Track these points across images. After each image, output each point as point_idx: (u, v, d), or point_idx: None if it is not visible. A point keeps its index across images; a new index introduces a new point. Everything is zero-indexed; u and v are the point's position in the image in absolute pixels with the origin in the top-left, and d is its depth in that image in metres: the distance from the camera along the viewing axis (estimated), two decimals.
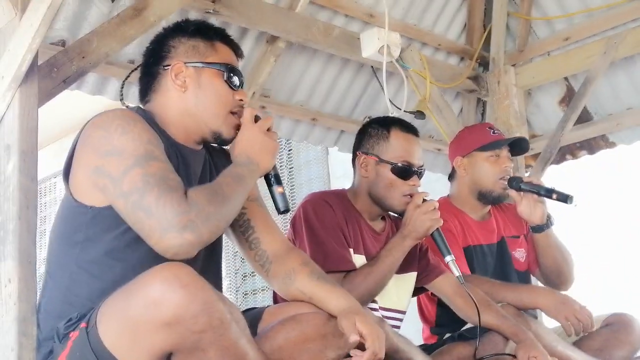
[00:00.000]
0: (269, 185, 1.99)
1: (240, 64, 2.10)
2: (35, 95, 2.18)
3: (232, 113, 2.01)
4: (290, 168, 6.49)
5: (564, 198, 2.98)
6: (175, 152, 1.95)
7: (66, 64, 2.34)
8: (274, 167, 1.99)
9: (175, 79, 1.98)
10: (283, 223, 5.26)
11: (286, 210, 1.97)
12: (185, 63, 1.98)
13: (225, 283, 6.78)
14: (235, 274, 6.85)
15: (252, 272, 6.55)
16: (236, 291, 6.83)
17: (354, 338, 1.83)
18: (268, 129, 1.97)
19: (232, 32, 3.23)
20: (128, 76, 2.23)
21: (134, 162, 1.75)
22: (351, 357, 1.90)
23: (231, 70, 2.01)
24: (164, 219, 1.69)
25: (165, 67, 2.00)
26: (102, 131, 1.80)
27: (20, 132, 2.12)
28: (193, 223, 1.70)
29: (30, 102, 2.17)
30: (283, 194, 1.98)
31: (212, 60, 2.00)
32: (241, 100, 2.02)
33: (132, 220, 1.75)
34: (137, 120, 1.84)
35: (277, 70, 3.56)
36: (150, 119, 1.95)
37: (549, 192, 3.01)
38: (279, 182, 1.99)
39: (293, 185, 6.39)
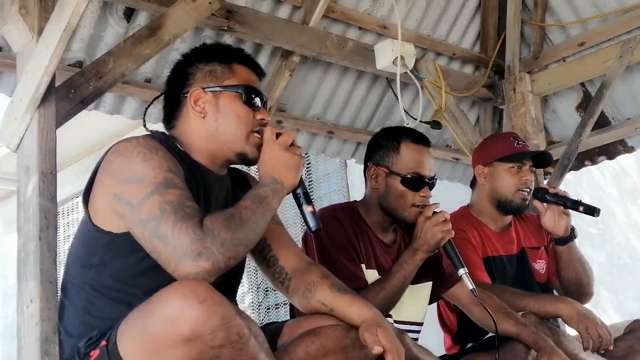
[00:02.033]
0: (299, 205, 1.97)
1: (262, 83, 2.10)
2: (53, 117, 2.22)
3: (255, 132, 2.01)
4: (309, 181, 6.51)
5: (591, 210, 2.97)
6: (198, 177, 1.97)
7: (83, 85, 2.37)
8: (302, 185, 1.97)
9: (195, 106, 2.00)
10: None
11: (318, 229, 1.96)
12: (203, 89, 2.00)
13: (247, 298, 6.80)
14: (257, 289, 6.86)
15: (274, 287, 6.54)
16: (259, 306, 6.84)
17: (377, 350, 1.82)
18: (292, 144, 1.96)
19: (247, 48, 3.26)
20: (151, 103, 2.25)
21: (152, 190, 1.77)
22: None
23: (250, 90, 2.01)
24: (180, 246, 1.70)
25: (185, 95, 2.02)
26: (123, 158, 1.83)
27: (39, 153, 2.16)
28: (208, 250, 1.70)
29: (49, 124, 2.20)
30: (313, 213, 1.96)
31: (230, 83, 2.01)
32: (262, 119, 2.02)
33: (149, 248, 1.76)
34: (158, 148, 1.85)
35: (293, 84, 3.58)
36: (173, 145, 1.97)
37: (575, 204, 2.99)
38: (308, 200, 1.97)
39: (313, 199, 6.34)
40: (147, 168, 1.79)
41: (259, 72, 2.10)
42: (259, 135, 2.00)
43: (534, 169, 3.11)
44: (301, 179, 1.97)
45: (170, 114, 2.06)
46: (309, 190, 2.01)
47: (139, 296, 1.74)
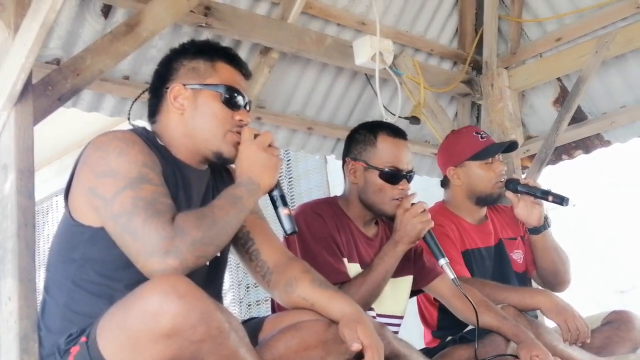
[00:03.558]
0: (275, 207, 1.97)
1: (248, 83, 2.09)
2: (30, 114, 2.20)
3: (233, 132, 1.99)
4: (289, 178, 6.50)
5: (560, 200, 3.00)
6: (177, 172, 1.96)
7: (60, 82, 2.36)
8: (279, 188, 1.97)
9: (174, 102, 1.99)
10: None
11: (293, 232, 1.96)
12: (184, 85, 1.99)
13: (229, 295, 6.79)
14: (239, 285, 6.85)
15: (256, 284, 6.53)
16: (240, 302, 6.83)
17: (356, 347, 1.82)
18: (270, 145, 1.95)
19: (225, 44, 3.23)
20: (138, 97, 2.24)
21: (126, 185, 1.77)
22: None
23: (230, 90, 2.00)
24: (148, 243, 1.71)
25: (167, 89, 2.01)
26: (100, 152, 1.83)
27: (16, 151, 2.14)
28: (177, 248, 1.70)
29: (26, 121, 2.19)
30: (289, 216, 1.96)
31: (211, 82, 2.00)
32: (241, 120, 2.00)
33: (120, 242, 1.77)
34: (135, 142, 1.85)
35: (272, 81, 3.58)
36: (153, 140, 1.97)
37: (545, 194, 3.02)
38: (285, 203, 1.97)
39: (293, 195, 6.39)
40: (122, 163, 1.80)
41: (245, 73, 2.09)
42: (237, 134, 1.99)
43: (501, 157, 3.14)
44: (278, 181, 1.97)
45: (153, 108, 2.06)
46: (288, 189, 2.02)
47: (121, 290, 1.74)
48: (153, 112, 2.06)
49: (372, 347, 1.84)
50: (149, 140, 1.94)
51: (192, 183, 2.00)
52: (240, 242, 2.09)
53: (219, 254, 2.01)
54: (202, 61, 2.03)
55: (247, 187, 1.90)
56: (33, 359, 1.95)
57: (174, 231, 1.71)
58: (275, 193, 1.96)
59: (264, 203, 2.05)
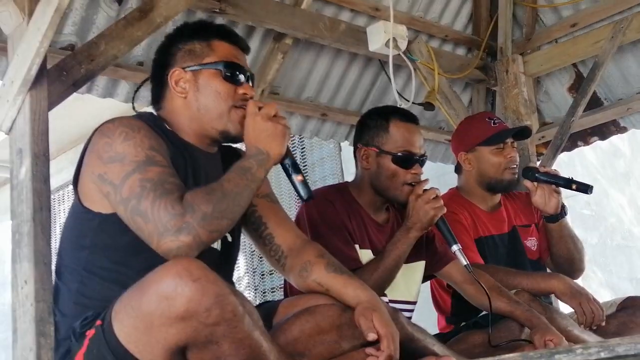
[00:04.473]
0: (288, 175, 1.95)
1: (247, 57, 2.09)
2: (45, 99, 2.21)
3: (238, 107, 1.99)
4: (304, 166, 6.50)
5: (584, 188, 2.97)
6: (186, 155, 1.96)
7: (75, 67, 2.36)
8: (290, 155, 1.95)
9: (176, 86, 1.99)
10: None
11: (310, 198, 1.95)
12: (183, 69, 1.99)
13: (244, 281, 6.81)
14: (254, 272, 6.87)
15: (271, 271, 6.57)
16: (255, 289, 6.86)
17: (372, 337, 1.83)
18: (275, 115, 1.93)
19: (239, 30, 3.25)
20: (140, 86, 2.25)
21: (133, 168, 1.77)
22: (365, 347, 1.90)
23: (230, 66, 2.00)
24: (160, 223, 1.71)
25: (167, 76, 2.01)
26: (107, 138, 1.83)
27: (31, 135, 2.15)
28: (189, 224, 1.70)
29: (41, 106, 2.20)
30: (304, 182, 1.94)
31: (209, 61, 2.00)
32: (244, 94, 1.99)
33: (133, 226, 1.77)
34: (141, 127, 1.85)
35: (285, 67, 3.58)
36: (160, 125, 1.97)
37: (568, 183, 2.99)
38: (297, 170, 1.95)
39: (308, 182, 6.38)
40: (128, 147, 1.80)
41: (242, 47, 2.08)
42: (242, 110, 1.97)
43: (515, 144, 3.12)
44: (288, 148, 1.95)
45: (157, 95, 2.06)
46: (304, 174, 1.99)
47: (132, 276, 1.74)
48: (157, 100, 2.07)
49: (387, 336, 1.84)
50: (156, 125, 1.94)
51: (202, 166, 2.00)
52: (253, 226, 2.09)
53: (230, 239, 2.01)
54: (198, 42, 2.02)
55: (255, 158, 1.88)
56: (49, 342, 1.97)
57: (183, 208, 1.71)
58: (287, 161, 1.94)
59: (280, 178, 2.03)
